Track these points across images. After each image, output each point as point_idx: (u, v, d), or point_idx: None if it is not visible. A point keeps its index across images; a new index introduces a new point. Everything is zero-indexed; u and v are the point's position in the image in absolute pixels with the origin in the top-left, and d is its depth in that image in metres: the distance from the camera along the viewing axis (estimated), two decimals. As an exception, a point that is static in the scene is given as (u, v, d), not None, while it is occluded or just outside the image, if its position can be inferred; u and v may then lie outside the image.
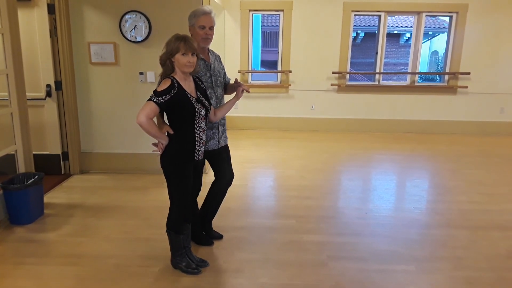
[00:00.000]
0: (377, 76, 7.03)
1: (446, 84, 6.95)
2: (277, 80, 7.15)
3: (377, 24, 6.98)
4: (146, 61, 4.45)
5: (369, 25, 13.84)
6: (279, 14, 6.84)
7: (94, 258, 2.91)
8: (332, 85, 6.87)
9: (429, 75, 10.87)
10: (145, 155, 4.67)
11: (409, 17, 6.99)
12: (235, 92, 2.91)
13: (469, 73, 6.74)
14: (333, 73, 6.85)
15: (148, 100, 2.37)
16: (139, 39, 4.40)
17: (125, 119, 4.62)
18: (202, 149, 2.60)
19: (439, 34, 13.80)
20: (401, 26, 14.02)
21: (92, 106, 4.61)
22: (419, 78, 7.23)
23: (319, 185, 4.50)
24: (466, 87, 6.79)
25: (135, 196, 4.06)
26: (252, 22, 6.91)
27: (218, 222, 3.50)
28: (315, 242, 3.18)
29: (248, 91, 2.86)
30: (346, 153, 5.84)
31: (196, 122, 2.49)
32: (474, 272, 2.79)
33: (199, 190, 2.93)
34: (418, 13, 6.80)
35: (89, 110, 4.63)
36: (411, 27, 13.11)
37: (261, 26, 14.45)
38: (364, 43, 14.54)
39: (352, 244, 3.17)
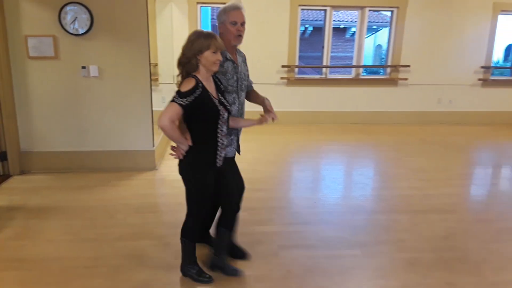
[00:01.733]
0: (324, 69, 7.22)
1: (388, 77, 7.28)
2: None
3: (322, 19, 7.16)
4: (89, 54, 4.28)
5: (317, 20, 14.13)
6: (227, 8, 6.81)
7: (38, 261, 2.78)
8: (281, 78, 6.97)
9: (373, 68, 11.33)
10: (90, 153, 4.50)
11: (354, 12, 7.27)
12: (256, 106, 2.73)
13: (409, 66, 7.10)
14: (283, 66, 6.94)
15: (171, 101, 2.19)
16: (81, 31, 4.21)
17: (67, 116, 4.42)
18: (223, 155, 2.44)
19: (382, 29, 14.38)
20: (347, 21, 14.46)
21: (31, 102, 4.37)
22: (363, 71, 7.51)
23: (271, 177, 4.57)
24: (406, 79, 7.15)
25: (80, 196, 3.91)
26: (200, 15, 6.83)
27: (170, 219, 3.47)
28: (266, 233, 3.24)
29: (275, 119, 2.63)
30: (297, 145, 5.97)
31: (219, 126, 2.33)
32: (415, 253, 2.97)
33: (243, 188, 2.85)
34: (362, 8, 7.05)
35: (28, 107, 4.38)
36: (356, 21, 13.57)
37: (211, 19, 14.32)
38: (313, 37, 14.84)
39: (302, 232, 3.26)
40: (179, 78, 2.31)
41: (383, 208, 3.78)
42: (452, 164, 5.19)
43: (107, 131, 4.51)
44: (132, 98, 4.45)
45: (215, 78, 2.42)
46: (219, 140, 2.36)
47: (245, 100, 2.75)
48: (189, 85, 2.20)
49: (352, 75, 7.33)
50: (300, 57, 7.22)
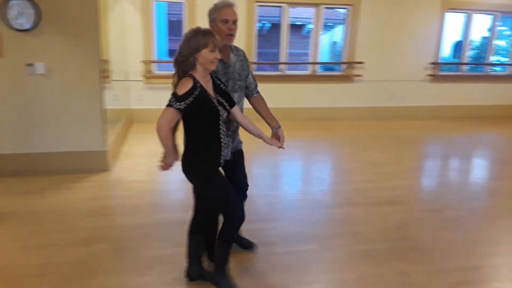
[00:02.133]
0: (281, 66, 7.27)
1: (344, 73, 7.44)
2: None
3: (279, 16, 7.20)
4: (36, 51, 4.05)
5: (274, 16, 14.20)
6: (182, 3, 6.69)
7: (-20, 272, 2.61)
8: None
9: (329, 64, 11.55)
10: (39, 155, 4.28)
11: (310, 9, 7.36)
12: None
13: (363, 63, 7.29)
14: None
15: (167, 105, 2.11)
16: (27, 27, 3.97)
17: (12, 116, 4.18)
18: (225, 154, 2.37)
19: (337, 26, 14.68)
20: (303, 18, 14.62)
21: (-29, 102, 4.08)
22: (320, 68, 7.63)
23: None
24: (361, 75, 7.34)
25: (28, 201, 3.71)
26: (155, 10, 6.67)
27: (124, 221, 3.37)
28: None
29: (282, 147, 2.64)
30: (256, 142, 5.94)
31: (220, 126, 2.25)
32: (370, 245, 3.06)
33: (245, 186, 2.75)
34: (317, 5, 7.15)
35: (-33, 107, 4.09)
36: (312, 18, 13.75)
37: (167, 14, 14.02)
38: (271, 33, 14.89)
39: (262, 230, 3.26)
40: (175, 78, 2.22)
41: (340, 202, 3.86)
42: (404, 157, 5.39)
43: (56, 132, 4.30)
44: (82, 96, 4.27)
45: (214, 77, 2.33)
46: (221, 139, 2.28)
47: (244, 102, 2.65)
48: (186, 86, 2.10)
49: (308, 72, 7.43)
50: (258, 54, 7.22)
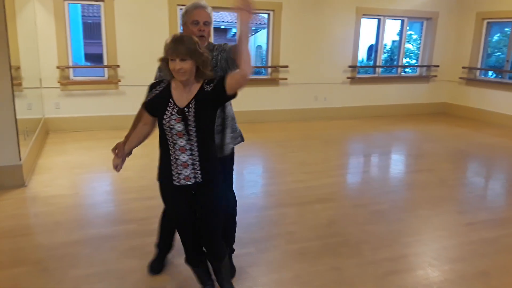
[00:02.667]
0: (208, 70, 7.21)
1: (270, 77, 7.59)
2: (104, 76, 6.66)
3: (203, 19, 7.13)
4: None
5: (197, 20, 14.09)
6: (100, 5, 6.36)
7: None
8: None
9: (255, 68, 11.74)
10: None
11: (234, 13, 7.45)
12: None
13: (287, 66, 7.49)
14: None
15: None
16: None
17: None
18: (186, 173, 2.11)
19: (261, 30, 14.97)
20: (227, 21, 14.71)
21: None
22: (246, 71, 7.70)
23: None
24: (286, 78, 7.54)
25: None
26: (68, 12, 6.25)
27: (45, 241, 3.09)
28: (158, 243, 3.09)
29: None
30: (184, 147, 5.85)
31: (169, 138, 2.09)
32: (304, 243, 3.14)
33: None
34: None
35: None
36: (236, 22, 13.87)
37: (82, 16, 13.27)
38: (194, 37, 14.76)
39: (196, 237, 3.19)
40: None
41: (272, 203, 3.91)
42: (330, 156, 5.63)
43: (-41, 147, 3.83)
44: (-11, 106, 3.85)
45: (207, 87, 2.04)
46: (171, 155, 2.13)
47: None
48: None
49: (235, 75, 7.44)
50: (183, 58, 7.09)
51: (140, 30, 6.52)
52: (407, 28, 8.58)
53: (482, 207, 3.99)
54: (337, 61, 7.86)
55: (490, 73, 8.67)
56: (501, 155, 5.93)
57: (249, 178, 4.66)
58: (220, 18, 13.95)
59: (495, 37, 9.59)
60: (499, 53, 9.51)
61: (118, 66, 6.47)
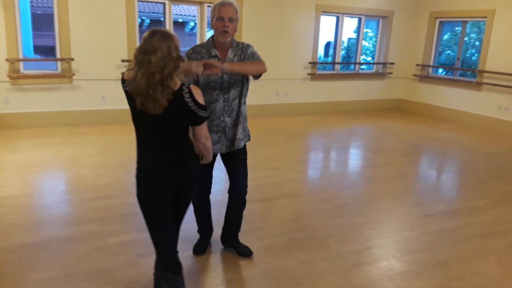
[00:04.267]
0: (168, 64, 7.04)
1: (231, 71, 7.53)
2: (57, 69, 6.33)
3: (161, 11, 6.96)
4: None
5: (154, 12, 13.73)
6: (52, -6, 6.02)
7: None
8: (122, 73, 6.53)
9: (215, 62, 11.58)
10: None
11: (192, 6, 7.33)
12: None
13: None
14: (123, 61, 6.51)
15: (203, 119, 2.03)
16: None
17: None
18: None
19: (220, 24, 14.87)
20: (185, 15, 14.45)
21: None
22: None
23: (120, 181, 4.23)
24: (248, 73, 7.51)
25: None
26: (18, 2, 5.87)
27: (0, 243, 2.90)
28: (122, 243, 2.99)
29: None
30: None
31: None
32: (271, 239, 3.15)
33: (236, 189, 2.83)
34: (200, 3, 7.09)
35: None
36: (194, 16, 13.66)
37: (30, 6, 12.53)
38: (151, 30, 14.37)
39: (161, 237, 3.11)
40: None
41: (239, 200, 3.88)
42: (294, 151, 5.69)
43: None
44: None
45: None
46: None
47: (245, 96, 2.64)
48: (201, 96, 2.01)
49: (196, 70, 7.33)
50: (142, 52, 6.86)
51: (96, 21, 6.25)
52: (364, 26, 8.82)
53: (439, 199, 4.19)
54: (298, 58, 7.93)
55: (441, 70, 9.08)
56: (454, 149, 6.25)
57: (215, 175, 4.59)
58: (178, 11, 13.67)
59: (446, 36, 10.07)
60: (449, 51, 10.01)
61: (72, 59, 6.17)
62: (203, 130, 2.06)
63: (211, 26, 2.48)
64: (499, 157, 5.77)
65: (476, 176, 4.94)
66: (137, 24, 6.60)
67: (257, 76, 2.55)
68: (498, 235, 3.36)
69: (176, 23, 14.70)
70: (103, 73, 6.42)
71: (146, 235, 3.09)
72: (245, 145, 2.75)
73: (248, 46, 2.60)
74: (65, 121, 6.30)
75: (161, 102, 1.84)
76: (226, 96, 2.53)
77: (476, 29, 10.04)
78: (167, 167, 2.06)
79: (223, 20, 2.39)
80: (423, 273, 2.78)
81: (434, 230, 3.41)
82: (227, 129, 2.59)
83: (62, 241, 2.98)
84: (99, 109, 6.53)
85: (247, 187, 2.88)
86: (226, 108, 2.55)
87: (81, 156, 4.94)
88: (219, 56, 2.48)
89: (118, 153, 5.13)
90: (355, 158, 5.82)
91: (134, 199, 3.81)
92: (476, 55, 9.60)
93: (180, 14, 14.35)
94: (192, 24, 15.31)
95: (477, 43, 10.03)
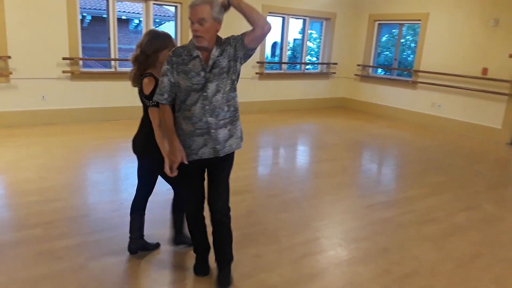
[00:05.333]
0: (113, 62, 6.85)
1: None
2: (-9, 68, 5.94)
3: (104, 8, 6.75)
4: None
5: (95, 8, 13.22)
6: (-16, -13, 5.64)
7: None
8: (64, 72, 6.26)
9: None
10: None
11: (136, 3, 7.15)
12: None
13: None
14: (64, 59, 6.24)
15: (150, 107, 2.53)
16: None
17: None
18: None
19: (165, 22, 14.60)
20: (129, 12, 14.05)
21: None
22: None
23: (64, 183, 4.08)
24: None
25: None
26: None
27: None
28: (69, 247, 2.90)
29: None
30: (90, 145, 5.51)
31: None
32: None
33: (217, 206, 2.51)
34: (146, 0, 6.96)
35: None
36: (138, 13, 13.33)
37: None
38: (92, 27, 13.83)
39: (111, 238, 3.06)
40: (133, 73, 2.59)
41: (190, 198, 3.89)
42: (244, 149, 5.68)
43: None
44: None
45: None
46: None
47: (231, 92, 2.39)
48: (150, 86, 2.46)
49: (142, 69, 7.19)
50: (83, 49, 6.62)
51: (35, 17, 5.93)
52: (309, 27, 9.10)
53: (379, 190, 4.46)
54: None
55: (380, 70, 9.59)
56: (392, 144, 6.65)
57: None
58: (121, 8, 13.26)
59: (384, 38, 10.65)
60: (387, 52, 10.59)
61: (9, 57, 5.81)
62: (152, 116, 2.51)
63: None
64: (432, 151, 6.24)
65: (412, 168, 5.31)
66: (78, 21, 6.36)
67: (255, 39, 2.30)
68: (432, 222, 3.66)
69: (119, 20, 14.26)
70: (43, 72, 6.12)
71: (96, 237, 3.05)
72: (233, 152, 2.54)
73: (229, 40, 2.36)
74: (3, 122, 5.94)
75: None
76: (205, 94, 2.27)
77: (412, 32, 10.70)
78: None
79: (193, 24, 2.20)
80: (367, 260, 2.97)
81: (376, 219, 3.64)
82: (212, 131, 2.35)
83: (6, 247, 2.84)
84: (39, 109, 6.22)
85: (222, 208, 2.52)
86: (208, 107, 2.29)
87: (22, 158, 4.69)
88: (200, 56, 2.26)
89: (61, 155, 4.93)
90: (302, 154, 6.02)
91: (81, 201, 3.74)
92: (411, 55, 10.24)
93: (124, 11, 13.94)
94: (136, 21, 14.91)
95: (412, 44, 10.69)
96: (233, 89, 2.39)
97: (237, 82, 2.42)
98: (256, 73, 8.21)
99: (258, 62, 8.15)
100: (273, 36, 11.51)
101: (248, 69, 8.09)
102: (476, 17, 7.13)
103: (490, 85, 6.98)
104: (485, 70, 7.03)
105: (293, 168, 5.26)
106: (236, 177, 4.45)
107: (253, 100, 8.26)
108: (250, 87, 8.20)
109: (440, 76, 7.69)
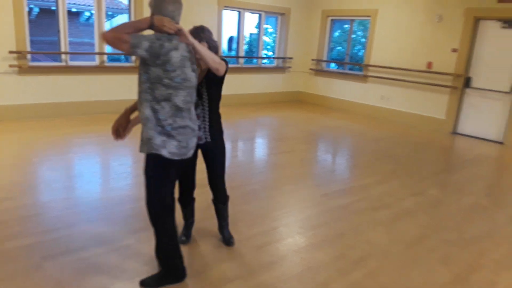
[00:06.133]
0: (63, 56, 6.59)
1: (134, 64, 7.32)
2: None
3: (54, 0, 6.47)
4: None
5: (43, 0, 12.59)
6: None
7: None
8: (11, 66, 5.95)
9: (117, 55, 11.06)
10: None
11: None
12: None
13: (152, 54, 7.32)
14: (10, 52, 5.93)
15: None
16: None
17: None
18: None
19: (118, 15, 14.17)
20: (80, 4, 13.51)
21: None
22: (107, 59, 7.27)
23: (15, 182, 3.92)
24: (151, 66, 7.36)
25: None
26: None
27: None
28: (23, 247, 2.81)
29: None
30: (42, 142, 5.29)
31: None
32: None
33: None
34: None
35: None
36: (89, 5, 12.84)
37: None
38: (40, 19, 13.15)
39: (67, 237, 2.99)
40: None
41: (149, 193, 3.86)
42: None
43: None
44: None
45: None
46: None
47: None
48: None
49: (96, 63, 6.99)
50: (31, 42, 6.33)
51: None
52: (264, 21, 9.19)
53: (334, 179, 4.64)
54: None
55: (333, 64, 9.88)
56: (345, 135, 6.90)
57: (120, 170, 4.50)
58: (71, 0, 12.72)
59: (337, 33, 10.95)
60: (340, 47, 10.91)
61: None
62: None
63: None
64: (383, 141, 6.54)
65: (364, 158, 5.56)
66: (25, 13, 6.05)
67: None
68: (384, 207, 3.87)
69: (70, 12, 13.68)
70: (-13, 66, 5.79)
71: (51, 236, 2.98)
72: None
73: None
74: None
75: None
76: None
77: (362, 27, 11.07)
78: None
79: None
80: (324, 245, 3.10)
81: (332, 207, 3.80)
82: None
83: (-48, 250, 2.70)
84: (-18, 106, 5.88)
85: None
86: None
87: (-35, 158, 4.44)
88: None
89: (10, 153, 4.71)
90: (260, 147, 6.12)
91: (33, 200, 3.63)
92: (362, 50, 10.60)
93: (74, 3, 13.38)
94: (87, 14, 14.36)
95: (363, 40, 11.08)
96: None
97: None
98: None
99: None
100: (229, 31, 11.49)
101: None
102: (421, 13, 7.52)
103: (435, 78, 7.41)
104: (430, 64, 7.45)
105: (252, 161, 5.33)
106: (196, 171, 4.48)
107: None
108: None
109: (389, 70, 8.05)
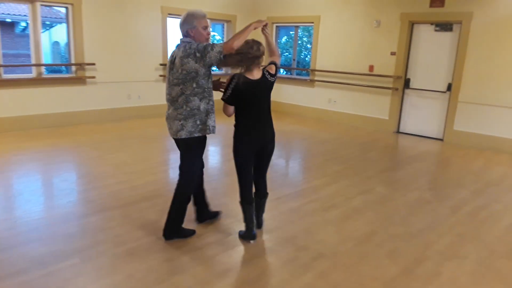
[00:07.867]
0: (-5, 69, 6.19)
1: (75, 75, 7.02)
2: None
3: (-17, 9, 6.07)
4: None
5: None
6: None
7: None
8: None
9: (55, 66, 10.58)
10: None
11: (22, 5, 6.49)
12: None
13: (94, 64, 7.06)
14: None
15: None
16: None
17: None
18: None
19: (57, 25, 13.58)
20: (14, 14, 12.79)
21: None
22: (45, 70, 6.91)
23: None
24: (94, 77, 7.10)
25: None
26: None
27: None
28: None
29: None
30: (-27, 161, 4.91)
31: None
32: (133, 243, 3.11)
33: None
34: (32, 2, 6.41)
35: None
36: (24, 15, 12.19)
37: None
38: (-30, 31, 12.30)
39: (6, 260, 2.79)
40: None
41: (94, 209, 3.70)
42: (151, 154, 5.63)
43: None
44: None
45: None
46: None
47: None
48: None
49: (33, 75, 6.62)
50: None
51: None
52: (211, 29, 9.16)
53: (286, 183, 4.69)
54: (148, 59, 7.83)
55: (282, 70, 10.03)
56: (296, 139, 7.01)
57: (63, 187, 4.27)
58: (6, 10, 12.03)
59: (284, 39, 11.16)
60: (287, 53, 11.11)
61: None
62: None
63: (190, 33, 2.92)
64: (331, 143, 6.72)
65: (314, 160, 5.67)
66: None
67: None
68: (334, 207, 3.96)
69: (4, 23, 12.91)
70: None
71: None
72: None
73: (184, 46, 2.93)
74: None
75: None
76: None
77: (307, 33, 11.36)
78: None
79: (207, 29, 2.98)
80: (277, 249, 3.11)
81: (284, 210, 3.83)
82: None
83: None
84: None
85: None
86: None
87: None
88: None
89: None
90: (213, 154, 6.06)
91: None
92: (308, 56, 10.87)
93: (9, 14, 12.67)
94: (23, 24, 13.63)
95: (308, 45, 11.36)
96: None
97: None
98: (160, 76, 8.06)
99: (161, 65, 8.00)
100: (175, 39, 11.35)
101: (151, 72, 7.93)
102: (361, 18, 7.84)
103: (377, 81, 7.73)
104: (371, 67, 7.77)
105: (204, 168, 5.25)
106: (143, 183, 4.37)
107: (157, 104, 8.03)
108: (153, 90, 8.03)
109: (334, 74, 8.30)
